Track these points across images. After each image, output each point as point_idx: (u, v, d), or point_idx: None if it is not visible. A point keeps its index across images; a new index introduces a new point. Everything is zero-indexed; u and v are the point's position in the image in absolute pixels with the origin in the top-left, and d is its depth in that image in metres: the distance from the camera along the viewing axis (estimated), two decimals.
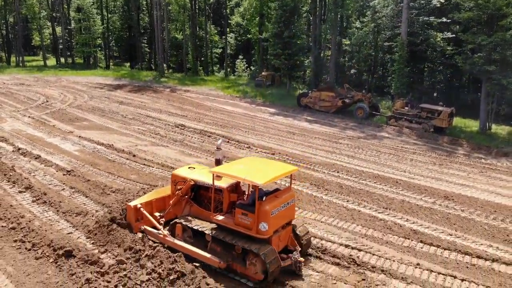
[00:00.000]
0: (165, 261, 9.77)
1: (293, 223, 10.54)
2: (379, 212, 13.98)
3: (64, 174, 15.97)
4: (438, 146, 24.14)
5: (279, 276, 9.72)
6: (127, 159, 18.22)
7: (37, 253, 10.47)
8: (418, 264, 10.72)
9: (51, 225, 12.00)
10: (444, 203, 15.00)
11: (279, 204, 9.70)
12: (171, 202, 11.24)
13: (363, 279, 9.97)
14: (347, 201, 14.82)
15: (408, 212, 14.08)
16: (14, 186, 14.62)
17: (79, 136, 21.52)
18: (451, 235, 12.51)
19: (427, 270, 10.46)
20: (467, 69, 28.67)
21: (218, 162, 11.91)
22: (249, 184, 10.06)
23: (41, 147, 19.34)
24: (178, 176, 11.34)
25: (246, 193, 10.86)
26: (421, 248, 11.68)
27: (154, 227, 11.03)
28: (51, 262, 10.09)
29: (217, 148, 12.15)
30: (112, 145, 20.08)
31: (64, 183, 15.11)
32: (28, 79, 43.52)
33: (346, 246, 11.51)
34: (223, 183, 10.40)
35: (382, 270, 10.35)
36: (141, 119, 26.82)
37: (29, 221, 12.03)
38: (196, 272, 9.47)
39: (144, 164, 17.54)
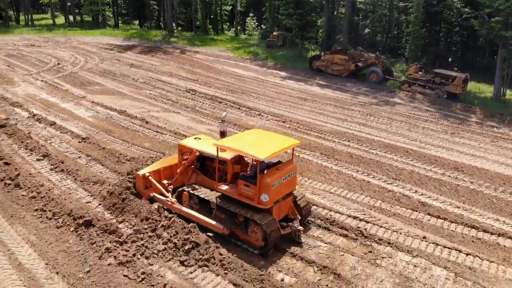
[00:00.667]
0: (180, 232, 10.21)
1: (294, 193, 10.99)
2: (388, 183, 14.19)
3: (79, 142, 16.32)
4: (451, 113, 23.93)
5: (281, 244, 10.27)
6: (140, 126, 18.49)
7: (58, 222, 10.92)
8: (424, 237, 11.02)
9: (70, 193, 12.45)
10: (453, 174, 15.14)
11: (280, 177, 10.10)
12: (178, 171, 11.75)
13: (370, 251, 10.33)
14: (357, 171, 15.03)
15: (417, 184, 14.28)
16: (32, 154, 15.03)
17: (92, 102, 21.74)
18: (458, 207, 12.74)
19: (433, 243, 10.77)
20: (483, 34, 27.80)
21: (223, 134, 12.36)
22: None
23: (55, 113, 19.65)
24: (184, 146, 11.77)
25: (250, 164, 11.21)
26: (428, 220, 11.95)
27: (163, 194, 11.53)
28: (71, 231, 10.55)
29: (221, 120, 12.55)
30: (125, 111, 20.30)
31: (80, 151, 15.48)
32: (38, 39, 43.33)
33: (354, 217, 11.82)
34: (227, 155, 10.83)
35: (389, 243, 10.69)
36: (152, 83, 26.85)
37: (49, 190, 12.47)
38: (210, 243, 9.93)
39: (157, 132, 17.80)
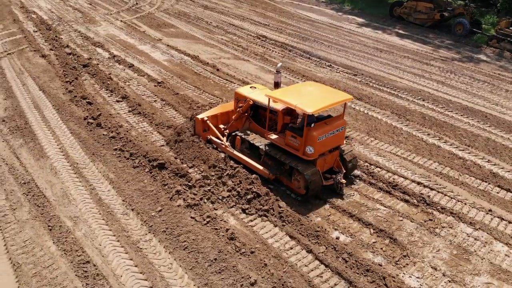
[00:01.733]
0: (244, 182, 10.77)
1: (342, 148, 11.22)
2: (460, 150, 13.59)
3: (155, 85, 17.18)
4: None
5: (340, 204, 10.58)
6: (211, 72, 18.93)
7: (135, 162, 11.87)
8: (490, 210, 10.66)
9: (145, 136, 13.40)
10: None
11: (327, 131, 10.32)
12: (233, 117, 12.39)
13: (430, 219, 10.24)
14: (428, 134, 14.48)
15: (491, 152, 13.53)
16: (112, 95, 16.13)
17: (167, 45, 22.43)
18: None
19: (498, 217, 10.41)
20: None
21: (276, 85, 12.70)
22: None
23: (133, 55, 20.63)
24: (240, 94, 12.30)
25: (300, 116, 11.40)
26: (497, 193, 11.45)
27: (218, 138, 12.30)
28: (146, 172, 11.49)
29: (276, 71, 12.75)
30: (198, 56, 20.78)
31: (155, 95, 16.34)
32: None
33: (419, 183, 11.62)
34: (278, 106, 11.18)
35: (451, 212, 10.48)
36: (225, 27, 26.92)
37: (127, 131, 13.48)
38: (270, 195, 10.42)
39: (226, 80, 18.17)
